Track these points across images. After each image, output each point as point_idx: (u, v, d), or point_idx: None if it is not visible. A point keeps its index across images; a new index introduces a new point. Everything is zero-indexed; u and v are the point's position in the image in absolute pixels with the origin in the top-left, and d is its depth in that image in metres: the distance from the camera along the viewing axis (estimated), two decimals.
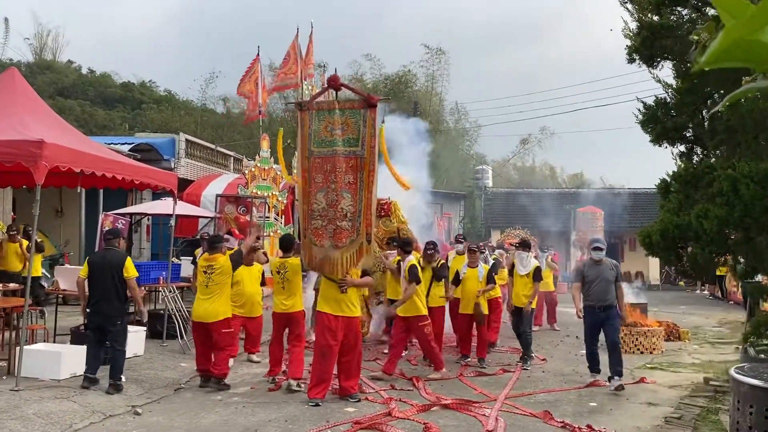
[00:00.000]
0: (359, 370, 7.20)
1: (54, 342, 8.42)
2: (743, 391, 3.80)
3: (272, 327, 7.58)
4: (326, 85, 7.39)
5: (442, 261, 8.71)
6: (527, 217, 29.04)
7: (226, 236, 8.97)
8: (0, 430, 5.46)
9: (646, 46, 5.63)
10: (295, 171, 10.73)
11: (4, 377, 7.07)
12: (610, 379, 7.43)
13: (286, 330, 7.60)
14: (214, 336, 7.21)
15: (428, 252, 8.72)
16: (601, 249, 7.54)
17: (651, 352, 10.17)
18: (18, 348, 6.88)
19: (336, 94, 7.20)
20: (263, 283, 8.81)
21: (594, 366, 7.81)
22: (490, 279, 9.01)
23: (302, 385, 7.09)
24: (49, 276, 12.52)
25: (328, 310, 6.81)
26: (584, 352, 8.18)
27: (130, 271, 6.92)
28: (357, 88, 7.30)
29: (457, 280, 9.04)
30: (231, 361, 8.09)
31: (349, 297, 6.90)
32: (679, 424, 5.83)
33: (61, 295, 9.55)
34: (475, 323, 9.00)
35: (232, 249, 8.06)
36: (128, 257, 7.11)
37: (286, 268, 7.40)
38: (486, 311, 9.06)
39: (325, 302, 6.88)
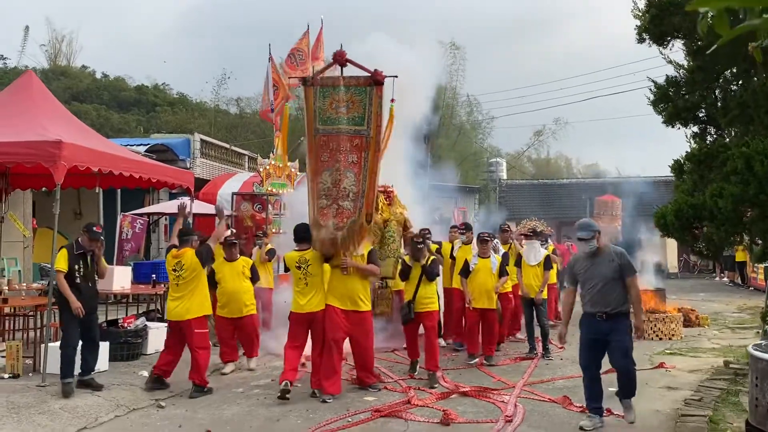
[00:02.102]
0: (372, 362, 6.96)
1: None
2: (761, 368, 3.80)
3: (289, 328, 6.85)
4: (332, 61, 7.08)
5: (434, 257, 7.70)
6: (543, 209, 28.93)
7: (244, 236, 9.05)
8: (28, 423, 5.60)
9: (656, 24, 5.58)
10: (297, 159, 10.60)
11: (30, 374, 7.22)
12: (619, 399, 5.51)
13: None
14: (186, 336, 6.80)
15: (417, 246, 7.45)
16: (586, 239, 5.33)
17: (670, 338, 10.14)
18: (43, 345, 7.02)
19: (342, 70, 6.86)
20: (256, 279, 8.07)
21: (593, 401, 5.44)
22: (502, 271, 8.32)
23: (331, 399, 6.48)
24: None
25: (336, 304, 6.65)
26: None
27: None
28: (363, 65, 6.77)
29: (466, 272, 8.28)
30: (253, 362, 8.01)
31: (357, 291, 6.67)
32: (699, 406, 5.81)
33: None
34: (481, 320, 8.26)
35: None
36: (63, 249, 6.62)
37: (307, 261, 6.70)
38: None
39: (332, 296, 6.72)
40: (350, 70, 6.89)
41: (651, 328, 10.18)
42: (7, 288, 7.61)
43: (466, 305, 8.29)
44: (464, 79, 36.48)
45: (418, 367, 7.58)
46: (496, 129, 47.01)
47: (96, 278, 6.86)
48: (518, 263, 9.16)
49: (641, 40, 5.92)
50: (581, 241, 5.39)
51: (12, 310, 8.37)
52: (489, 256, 8.28)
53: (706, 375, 7.43)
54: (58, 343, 7.70)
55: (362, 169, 6.55)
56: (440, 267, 8.56)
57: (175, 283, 6.84)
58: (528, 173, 43.80)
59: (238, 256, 8.11)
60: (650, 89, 6.08)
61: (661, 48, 5.75)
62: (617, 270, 5.27)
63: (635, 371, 5.40)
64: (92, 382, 6.68)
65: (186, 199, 11.20)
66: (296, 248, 6.88)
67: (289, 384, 6.39)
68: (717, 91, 5.58)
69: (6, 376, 7.05)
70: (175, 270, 6.82)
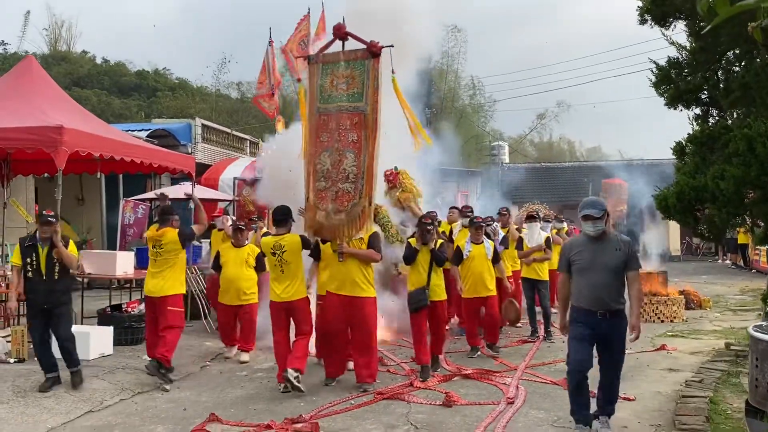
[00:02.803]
0: (371, 354, 6.40)
1: (81, 324, 8.62)
2: (761, 349, 3.82)
3: (271, 321, 6.51)
4: (333, 36, 6.71)
5: (442, 241, 7.11)
6: (545, 192, 28.87)
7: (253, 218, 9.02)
8: (35, 407, 5.66)
9: (657, 5, 5.52)
10: None
11: (35, 358, 7.27)
12: (595, 417, 4.79)
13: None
14: (159, 312, 6.68)
15: (426, 228, 6.83)
16: (595, 218, 4.59)
17: (672, 321, 10.17)
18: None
19: (343, 45, 6.53)
20: (261, 269, 7.73)
21: (583, 408, 4.71)
22: (497, 257, 7.93)
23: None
24: None
25: (332, 289, 6.40)
26: None
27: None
28: (362, 38, 6.39)
29: (459, 258, 7.78)
30: (246, 355, 7.68)
31: (355, 275, 6.30)
32: (700, 387, 5.85)
33: (86, 279, 9.73)
34: (483, 308, 7.85)
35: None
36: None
37: (282, 247, 6.30)
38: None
39: (329, 280, 6.47)
40: (351, 45, 6.56)
41: (653, 311, 10.21)
42: (10, 273, 7.62)
43: (458, 292, 7.77)
44: (465, 62, 36.29)
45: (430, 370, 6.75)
46: (498, 112, 46.76)
47: (59, 270, 6.09)
48: (519, 246, 9.12)
49: (643, 22, 5.84)
50: (588, 221, 4.60)
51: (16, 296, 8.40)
52: (482, 242, 7.84)
53: (707, 357, 7.47)
54: None
55: (362, 148, 6.20)
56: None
57: (153, 258, 6.78)
58: (530, 157, 43.67)
59: (246, 242, 7.96)
60: (652, 71, 6.05)
61: (663, 29, 5.70)
62: (622, 261, 4.59)
63: (618, 383, 4.80)
64: (74, 378, 6.19)
65: (188, 185, 11.21)
66: (274, 232, 6.56)
67: (292, 372, 6.04)
68: (719, 73, 5.54)
69: (12, 360, 7.11)
70: (154, 246, 6.77)
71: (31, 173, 10.52)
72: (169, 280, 6.70)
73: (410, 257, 6.86)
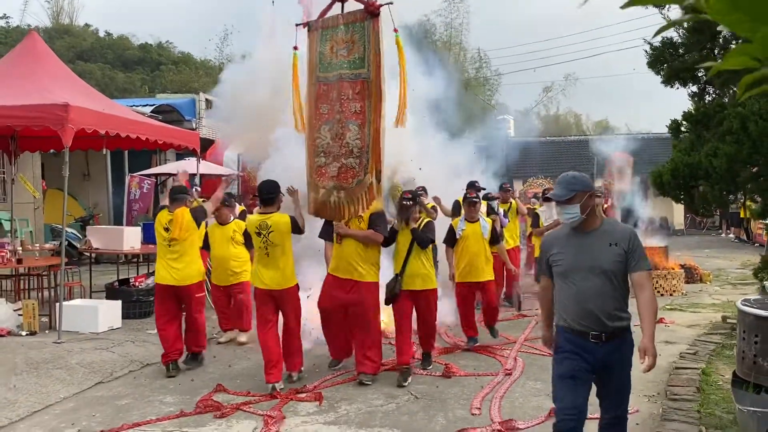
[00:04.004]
0: (373, 344, 5.83)
1: (90, 298, 8.83)
2: (748, 322, 3.93)
3: (256, 312, 5.90)
4: None
5: (428, 219, 6.16)
6: (550, 166, 28.78)
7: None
8: (47, 378, 5.86)
9: None
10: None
11: (47, 331, 7.49)
12: None
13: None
14: (185, 301, 6.19)
15: (403, 204, 5.95)
16: (562, 201, 3.39)
17: (671, 294, 10.30)
18: (57, 304, 7.26)
19: (342, 7, 5.94)
20: (251, 245, 6.52)
21: None
22: (495, 237, 7.06)
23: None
24: (80, 237, 12.97)
25: (331, 271, 5.95)
26: None
27: None
28: None
29: (452, 240, 6.92)
30: (245, 336, 7.35)
31: (352, 258, 5.74)
32: (693, 359, 5.99)
33: (93, 254, 9.91)
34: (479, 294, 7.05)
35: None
36: None
37: (269, 227, 5.60)
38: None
39: (332, 262, 5.98)
40: (351, 6, 5.94)
41: (653, 284, 10.34)
42: (21, 249, 7.81)
43: (450, 279, 7.02)
44: (469, 33, 35.94)
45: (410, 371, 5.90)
46: (503, 86, 46.44)
47: None
48: (536, 223, 8.66)
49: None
50: (562, 206, 3.39)
51: (27, 270, 8.62)
52: (477, 220, 6.94)
53: (704, 330, 7.61)
54: (72, 302, 7.96)
55: (367, 119, 5.60)
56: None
57: (166, 244, 6.09)
58: (536, 130, 43.48)
59: (231, 218, 7.43)
60: (645, 51, 6.05)
61: (660, 10, 5.70)
62: (620, 260, 3.28)
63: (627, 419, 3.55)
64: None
65: (193, 160, 11.30)
66: (260, 210, 5.85)
67: (276, 386, 5.51)
68: (716, 50, 5.55)
69: (24, 333, 7.32)
70: (167, 230, 6.09)
71: (37, 149, 10.64)
72: (192, 266, 6.14)
73: (388, 239, 5.97)
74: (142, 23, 68.08)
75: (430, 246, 6.07)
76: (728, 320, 7.72)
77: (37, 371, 6.03)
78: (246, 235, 7.08)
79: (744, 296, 9.90)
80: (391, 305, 6.02)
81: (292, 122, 6.34)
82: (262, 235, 5.63)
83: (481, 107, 36.47)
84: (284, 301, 5.71)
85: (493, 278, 7.06)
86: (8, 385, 5.63)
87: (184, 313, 6.28)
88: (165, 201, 6.52)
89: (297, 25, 5.94)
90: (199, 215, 6.21)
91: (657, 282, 10.34)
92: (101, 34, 43.97)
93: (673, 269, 10.72)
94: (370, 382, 5.69)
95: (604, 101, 71.10)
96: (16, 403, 5.25)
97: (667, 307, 9.29)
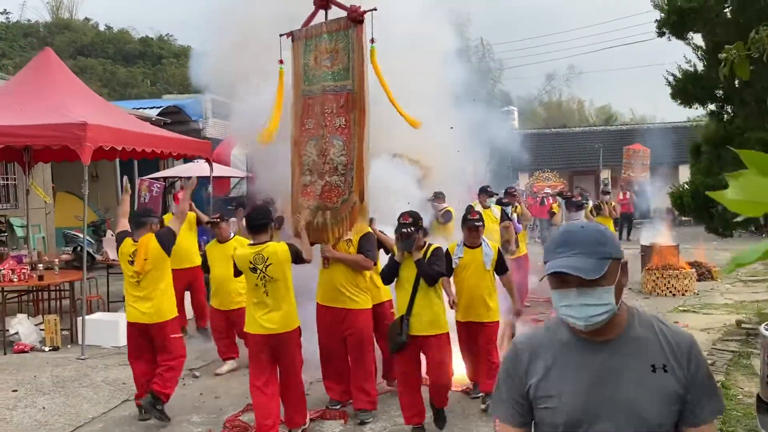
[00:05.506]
0: (367, 377, 5.31)
1: (108, 310, 8.91)
2: None
3: (248, 358, 4.98)
4: (314, 6, 5.63)
5: (436, 246, 5.03)
6: (555, 158, 28.70)
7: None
8: (74, 397, 5.95)
9: (676, 28, 5.51)
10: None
11: (69, 345, 7.59)
12: None
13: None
14: (157, 341, 5.35)
15: (402, 230, 4.85)
16: (595, 281, 1.61)
17: (683, 294, 10.37)
18: (79, 318, 7.34)
19: (326, 15, 5.53)
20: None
21: None
22: (501, 266, 5.55)
23: None
24: (93, 242, 13.04)
25: (319, 300, 5.45)
26: None
27: None
28: (344, 4, 5.40)
29: (450, 269, 5.38)
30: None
31: (340, 284, 5.24)
32: (713, 371, 6.03)
33: (110, 265, 9.98)
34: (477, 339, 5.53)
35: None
36: None
37: (266, 260, 4.72)
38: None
39: (319, 290, 5.47)
40: (335, 14, 5.55)
41: (664, 285, 10.41)
42: (41, 266, 7.87)
43: (451, 307, 5.36)
44: (470, 23, 35.74)
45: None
46: (506, 78, 46.21)
47: None
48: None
49: (661, 34, 5.84)
50: (563, 287, 1.67)
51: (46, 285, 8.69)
52: (480, 245, 5.51)
53: (718, 334, 7.67)
54: (93, 316, 8.05)
55: (351, 135, 5.17)
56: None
57: (135, 280, 5.27)
58: (540, 117, 43.42)
59: (231, 235, 6.75)
60: (669, 82, 6.04)
61: (683, 41, 5.71)
62: (676, 399, 1.66)
63: None
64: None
65: (202, 162, 11.31)
66: (251, 242, 4.95)
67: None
68: (736, 82, 5.51)
69: (47, 348, 7.41)
70: (132, 263, 5.25)
71: (51, 160, 10.69)
72: (165, 301, 5.34)
73: (387, 274, 5.05)
74: (141, 16, 67.90)
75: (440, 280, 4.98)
76: (743, 325, 7.79)
77: (64, 390, 6.13)
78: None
79: (755, 295, 10.02)
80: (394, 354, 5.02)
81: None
82: (258, 271, 4.74)
83: (487, 98, 36.41)
84: (285, 347, 4.82)
85: (498, 319, 5.59)
86: (38, 406, 5.72)
87: (157, 357, 5.41)
88: (123, 225, 5.61)
89: (281, 35, 5.62)
90: (166, 239, 5.30)
91: (669, 282, 10.41)
92: (101, 27, 43.88)
93: (685, 269, 10.77)
94: (369, 420, 5.25)
95: (606, 87, 70.87)
96: (47, 425, 5.35)
97: (680, 308, 9.36)
